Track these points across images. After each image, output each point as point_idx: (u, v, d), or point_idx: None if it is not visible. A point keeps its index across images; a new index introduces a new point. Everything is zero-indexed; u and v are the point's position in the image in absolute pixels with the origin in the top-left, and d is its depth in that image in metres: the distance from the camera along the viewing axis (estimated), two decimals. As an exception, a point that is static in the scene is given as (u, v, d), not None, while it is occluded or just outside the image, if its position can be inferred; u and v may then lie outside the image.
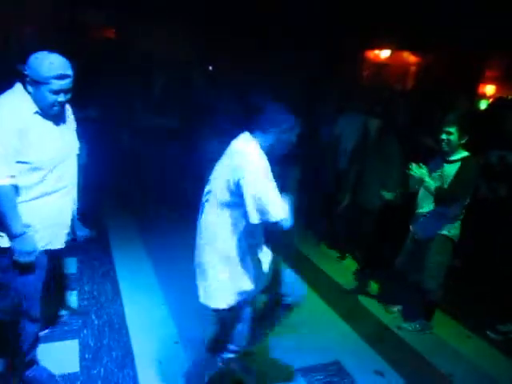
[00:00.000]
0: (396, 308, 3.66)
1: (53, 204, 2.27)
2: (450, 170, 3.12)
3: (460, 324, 3.54)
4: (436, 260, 3.20)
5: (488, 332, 3.41)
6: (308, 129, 4.95)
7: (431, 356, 3.08)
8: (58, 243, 2.36)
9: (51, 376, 2.50)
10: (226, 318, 2.34)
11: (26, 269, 2.23)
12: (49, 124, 2.20)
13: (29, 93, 2.11)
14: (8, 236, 2.13)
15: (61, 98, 2.13)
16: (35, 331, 2.41)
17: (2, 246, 2.17)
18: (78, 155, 2.43)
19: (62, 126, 2.29)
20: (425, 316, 3.39)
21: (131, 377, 2.63)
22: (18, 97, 2.12)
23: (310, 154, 4.90)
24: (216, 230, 2.20)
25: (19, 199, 2.12)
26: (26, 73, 2.07)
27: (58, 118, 2.25)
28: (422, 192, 3.26)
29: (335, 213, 4.78)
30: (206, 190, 2.29)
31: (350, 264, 4.60)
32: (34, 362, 2.44)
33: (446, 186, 3.08)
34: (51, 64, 2.06)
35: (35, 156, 2.13)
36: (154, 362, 2.77)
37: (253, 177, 2.04)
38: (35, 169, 2.13)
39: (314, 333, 3.24)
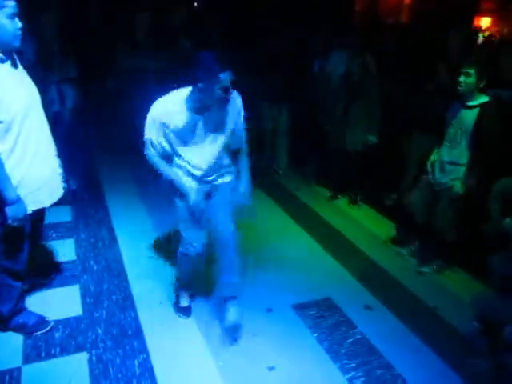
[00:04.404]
0: (405, 249, 3.69)
1: (41, 161, 2.24)
2: (468, 116, 3.03)
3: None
4: (452, 207, 3.20)
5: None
6: (300, 65, 4.85)
7: (418, 291, 3.19)
8: (52, 200, 2.37)
9: (40, 320, 2.56)
10: None
11: (17, 233, 2.25)
12: (7, 71, 2.08)
13: None
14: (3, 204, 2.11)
15: (19, 23, 2.03)
16: (21, 286, 2.49)
17: None
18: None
19: (21, 74, 2.19)
20: (442, 257, 3.44)
21: (133, 318, 2.75)
22: None
23: (303, 92, 4.84)
24: None
25: (7, 164, 2.07)
26: None
27: (13, 66, 2.13)
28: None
29: (326, 152, 4.80)
30: None
31: (341, 203, 4.66)
32: (21, 309, 2.52)
33: (461, 132, 3.03)
34: None
35: (9, 110, 2.03)
36: (154, 303, 2.89)
37: None
38: (9, 124, 2.04)
39: (305, 270, 3.34)
